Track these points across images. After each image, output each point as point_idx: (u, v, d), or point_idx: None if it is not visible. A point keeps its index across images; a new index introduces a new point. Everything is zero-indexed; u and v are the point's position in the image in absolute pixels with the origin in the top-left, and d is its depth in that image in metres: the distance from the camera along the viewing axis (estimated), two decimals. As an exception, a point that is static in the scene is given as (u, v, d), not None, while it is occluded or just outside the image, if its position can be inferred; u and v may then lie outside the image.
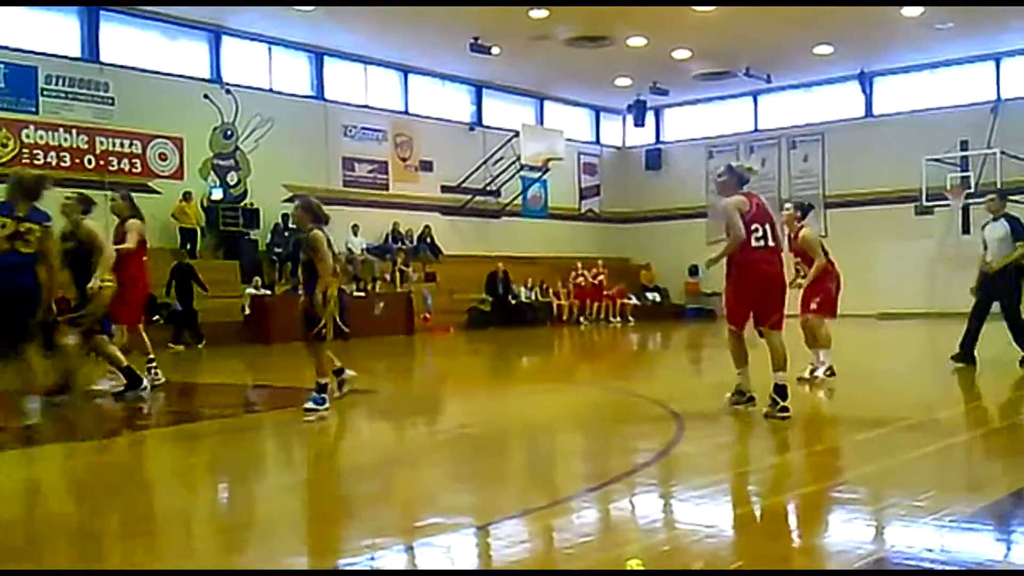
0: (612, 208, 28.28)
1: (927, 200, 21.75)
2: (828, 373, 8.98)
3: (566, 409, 8.35)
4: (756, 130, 26.29)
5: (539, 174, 24.67)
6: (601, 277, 23.80)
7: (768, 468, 5.64)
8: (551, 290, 23.42)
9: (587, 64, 21.95)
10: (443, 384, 11.81)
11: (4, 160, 16.13)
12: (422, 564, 3.83)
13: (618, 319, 23.75)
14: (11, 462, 6.12)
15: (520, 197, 25.15)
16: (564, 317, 23.02)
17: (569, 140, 25.11)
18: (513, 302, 22.20)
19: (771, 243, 6.90)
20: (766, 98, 26.10)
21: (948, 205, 21.71)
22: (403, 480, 5.55)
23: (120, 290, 8.55)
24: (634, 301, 24.62)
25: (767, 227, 6.89)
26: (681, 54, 21.84)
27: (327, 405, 7.57)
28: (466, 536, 4.14)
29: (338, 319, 7.65)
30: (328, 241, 7.63)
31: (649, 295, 25.83)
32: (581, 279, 23.62)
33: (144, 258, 9.46)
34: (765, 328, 6.99)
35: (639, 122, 25.95)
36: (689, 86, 24.78)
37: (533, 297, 22.94)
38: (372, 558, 3.77)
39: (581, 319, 23.22)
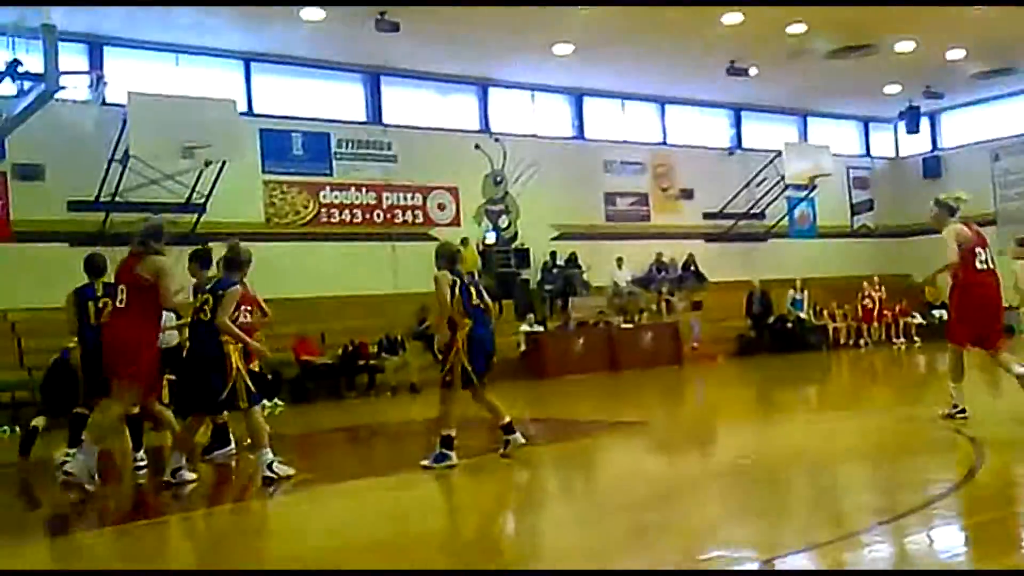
0: (887, 222, 26.75)
1: None
2: None
3: (849, 437, 8.09)
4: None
5: (805, 193, 23.94)
6: (881, 296, 22.56)
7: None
8: (825, 312, 22.47)
9: (852, 74, 21.02)
10: (716, 414, 11.76)
11: (306, 221, 18.01)
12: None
13: (901, 340, 22.38)
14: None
15: (786, 218, 24.47)
16: (841, 340, 22.02)
17: (836, 154, 24.10)
18: (781, 325, 21.50)
19: (991, 266, 7.59)
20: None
21: None
22: (682, 512, 5.67)
23: None
24: (918, 320, 23.07)
25: (987, 251, 7.59)
26: (955, 54, 20.43)
27: (448, 462, 7.06)
28: (751, 572, 4.21)
29: (468, 365, 7.07)
30: (454, 283, 7.18)
31: (935, 312, 24.05)
32: (868, 300, 22.45)
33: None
34: (991, 350, 7.65)
35: (913, 129, 24.51)
36: (966, 87, 23.08)
37: (806, 319, 22.08)
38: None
39: (861, 341, 22.11)
